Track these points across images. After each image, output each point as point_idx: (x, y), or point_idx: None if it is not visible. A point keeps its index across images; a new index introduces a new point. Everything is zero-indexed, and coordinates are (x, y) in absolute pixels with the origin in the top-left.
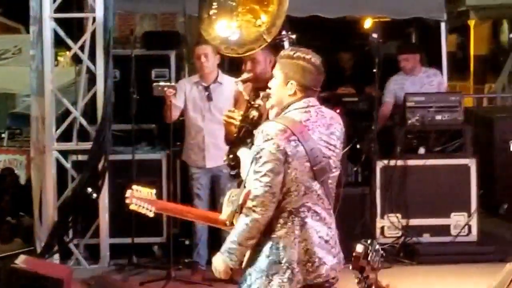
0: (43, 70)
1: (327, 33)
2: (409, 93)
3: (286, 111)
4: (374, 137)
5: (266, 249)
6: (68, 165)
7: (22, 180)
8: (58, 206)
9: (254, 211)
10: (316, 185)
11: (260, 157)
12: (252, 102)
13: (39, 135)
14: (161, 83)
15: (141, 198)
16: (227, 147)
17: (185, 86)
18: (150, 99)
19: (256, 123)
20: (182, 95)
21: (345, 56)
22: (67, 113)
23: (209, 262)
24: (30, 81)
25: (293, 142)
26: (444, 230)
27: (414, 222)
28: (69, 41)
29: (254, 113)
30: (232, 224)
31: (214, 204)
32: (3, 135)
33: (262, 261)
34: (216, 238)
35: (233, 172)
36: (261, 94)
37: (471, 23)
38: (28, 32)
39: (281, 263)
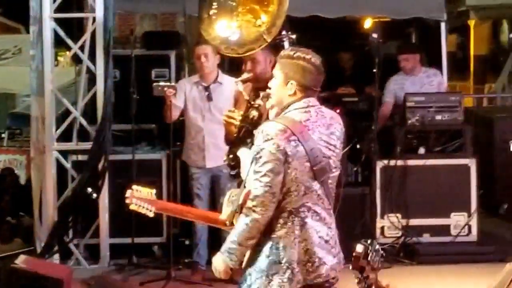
0: (43, 70)
1: (327, 33)
2: (409, 93)
3: (286, 111)
4: (374, 137)
5: (266, 249)
6: (68, 165)
7: (22, 180)
8: (58, 206)
9: (254, 211)
10: (316, 185)
11: (260, 157)
12: (252, 102)
13: (39, 135)
14: (161, 83)
15: (141, 198)
16: (227, 147)
17: (185, 86)
18: (150, 99)
19: (256, 123)
20: (182, 95)
21: (345, 56)
22: (67, 113)
23: (209, 262)
24: (30, 81)
25: (293, 142)
26: (444, 230)
27: (414, 222)
28: (69, 41)
29: (254, 113)
30: (232, 224)
31: (214, 204)
32: (3, 135)
33: (262, 261)
34: (216, 238)
35: (233, 172)
36: (261, 94)
37: (471, 23)
38: (28, 32)
39: (281, 263)
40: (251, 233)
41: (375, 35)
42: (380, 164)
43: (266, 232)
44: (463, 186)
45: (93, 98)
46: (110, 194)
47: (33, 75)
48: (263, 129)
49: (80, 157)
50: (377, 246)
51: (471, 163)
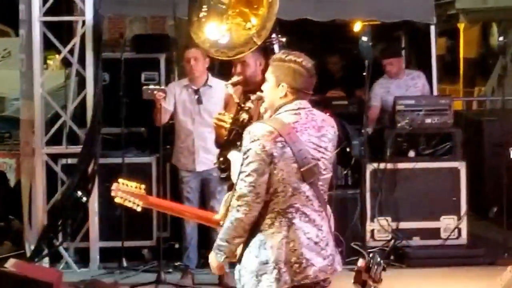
0: (33, 73)
1: (317, 36)
2: (399, 96)
3: (277, 113)
4: (364, 140)
5: (254, 249)
6: (57, 168)
7: (12, 184)
8: (47, 209)
9: (238, 210)
10: (304, 187)
11: (247, 157)
12: (243, 105)
13: (28, 138)
14: (151, 87)
15: (128, 192)
16: (217, 150)
17: (174, 90)
18: (140, 103)
19: (246, 126)
20: (172, 99)
21: (335, 59)
22: (56, 116)
23: (199, 266)
24: (19, 85)
25: (280, 143)
26: (434, 233)
27: (404, 225)
28: (59, 45)
29: (244, 116)
30: None
31: (204, 207)
32: None
33: (252, 261)
34: (206, 242)
35: (223, 175)
36: (252, 96)
37: (461, 26)
38: (17, 35)
39: (268, 263)
40: (237, 232)
41: (365, 38)
42: (370, 167)
43: (255, 232)
44: (452, 189)
45: (83, 102)
46: (100, 197)
47: (22, 79)
48: (250, 130)
49: (70, 161)
50: (379, 259)
51: (461, 166)
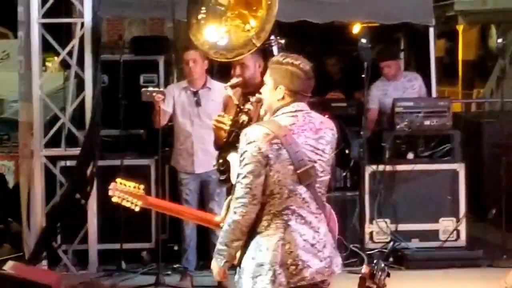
0: (31, 75)
1: (316, 38)
2: (398, 98)
3: (275, 115)
4: (363, 142)
5: (251, 251)
6: (56, 170)
7: (11, 186)
8: (46, 212)
9: (235, 212)
10: (301, 189)
11: (243, 159)
12: (242, 107)
13: (27, 140)
14: (150, 89)
15: (125, 191)
16: (216, 153)
17: (173, 92)
18: (139, 105)
19: (245, 128)
20: (171, 101)
21: (334, 61)
22: (55, 118)
23: (198, 268)
24: (18, 87)
25: (275, 145)
26: (433, 235)
27: (403, 227)
28: (57, 46)
29: (243, 118)
30: None
31: (203, 209)
32: None
33: (249, 263)
34: (205, 244)
35: (222, 177)
36: (251, 98)
37: (460, 28)
38: (16, 37)
39: (263, 265)
40: (235, 235)
41: (364, 40)
42: (369, 169)
43: (252, 234)
44: (451, 191)
45: (82, 104)
46: (98, 199)
47: (21, 81)
48: (247, 132)
49: (69, 163)
50: (383, 265)
51: (460, 168)
